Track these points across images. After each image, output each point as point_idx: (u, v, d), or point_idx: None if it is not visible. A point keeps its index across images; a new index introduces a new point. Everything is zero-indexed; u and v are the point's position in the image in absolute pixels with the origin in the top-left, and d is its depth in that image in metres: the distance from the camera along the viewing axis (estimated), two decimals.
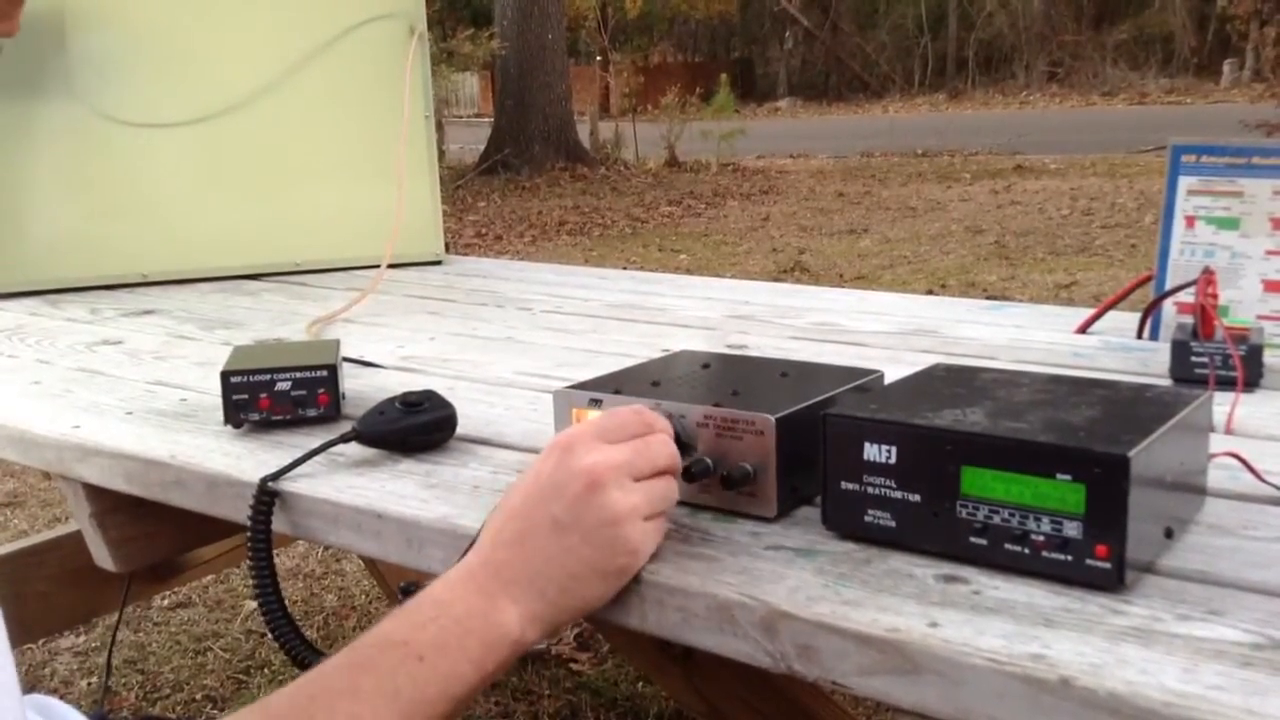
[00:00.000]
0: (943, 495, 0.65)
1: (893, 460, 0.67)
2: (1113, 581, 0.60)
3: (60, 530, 1.54)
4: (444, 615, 0.63)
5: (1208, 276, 1.06)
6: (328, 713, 0.59)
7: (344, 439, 0.88)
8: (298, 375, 0.98)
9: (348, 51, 1.88)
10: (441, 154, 11.11)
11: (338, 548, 1.03)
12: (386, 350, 1.31)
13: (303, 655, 0.81)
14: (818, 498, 0.71)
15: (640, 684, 1.91)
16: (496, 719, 1.84)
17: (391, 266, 1.75)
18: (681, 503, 0.74)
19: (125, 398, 1.13)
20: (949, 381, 0.78)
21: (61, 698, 1.94)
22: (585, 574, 0.65)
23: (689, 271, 5.95)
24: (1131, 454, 0.59)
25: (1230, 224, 1.18)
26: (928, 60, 26.91)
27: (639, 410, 0.71)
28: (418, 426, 0.90)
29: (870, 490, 0.68)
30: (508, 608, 0.64)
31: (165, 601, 2.31)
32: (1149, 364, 1.12)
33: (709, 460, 0.74)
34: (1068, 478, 0.61)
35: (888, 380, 0.83)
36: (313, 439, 0.90)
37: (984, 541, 0.64)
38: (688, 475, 0.73)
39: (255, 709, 0.59)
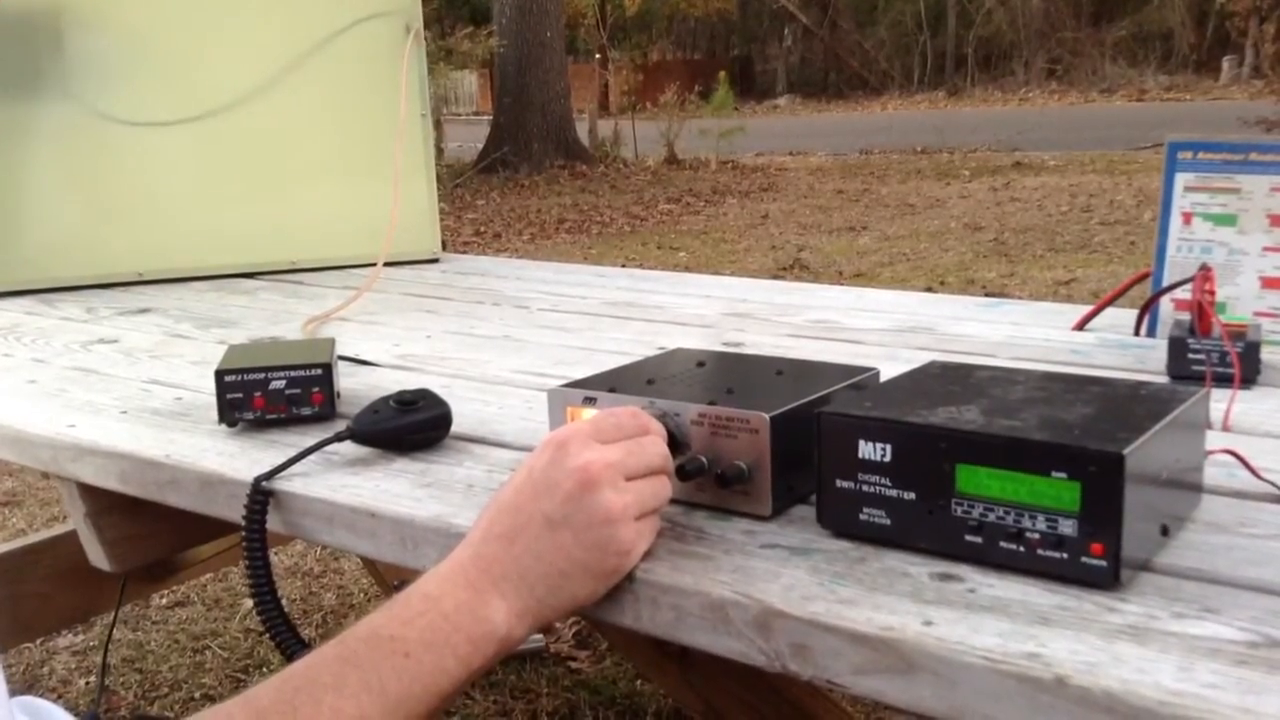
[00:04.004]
0: (938, 493, 0.65)
1: (888, 458, 0.67)
2: (1108, 579, 0.60)
3: (58, 529, 1.53)
4: (432, 610, 0.63)
5: (1205, 273, 1.05)
6: (312, 706, 0.59)
7: (338, 438, 0.88)
8: (292, 374, 0.98)
9: (344, 50, 1.88)
10: (440, 152, 11.11)
11: (332, 547, 1.03)
12: (382, 349, 1.31)
13: (299, 655, 0.80)
14: (813, 496, 0.71)
15: (638, 682, 1.91)
16: (495, 717, 1.84)
17: (388, 265, 1.74)
18: (676, 501, 0.74)
19: (120, 397, 1.13)
20: (944, 379, 0.77)
21: (59, 697, 1.93)
22: (575, 572, 0.64)
23: (688, 269, 5.94)
24: (1127, 451, 0.59)
25: (1227, 220, 1.18)
26: (927, 57, 26.89)
27: (635, 411, 0.71)
28: (412, 425, 0.90)
29: (865, 488, 0.68)
30: (496, 603, 0.64)
31: (163, 600, 2.31)
32: (1146, 361, 1.12)
33: (703, 459, 0.73)
34: (1063, 475, 0.61)
35: (883, 378, 0.83)
36: (307, 438, 0.90)
37: (979, 540, 0.64)
38: (682, 473, 0.73)
39: (239, 702, 0.59)
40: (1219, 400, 0.92)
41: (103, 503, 1.05)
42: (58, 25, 1.74)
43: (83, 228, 1.80)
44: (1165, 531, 0.66)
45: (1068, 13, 25.03)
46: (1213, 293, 1.05)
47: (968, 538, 0.64)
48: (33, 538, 1.54)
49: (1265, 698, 0.50)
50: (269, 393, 0.97)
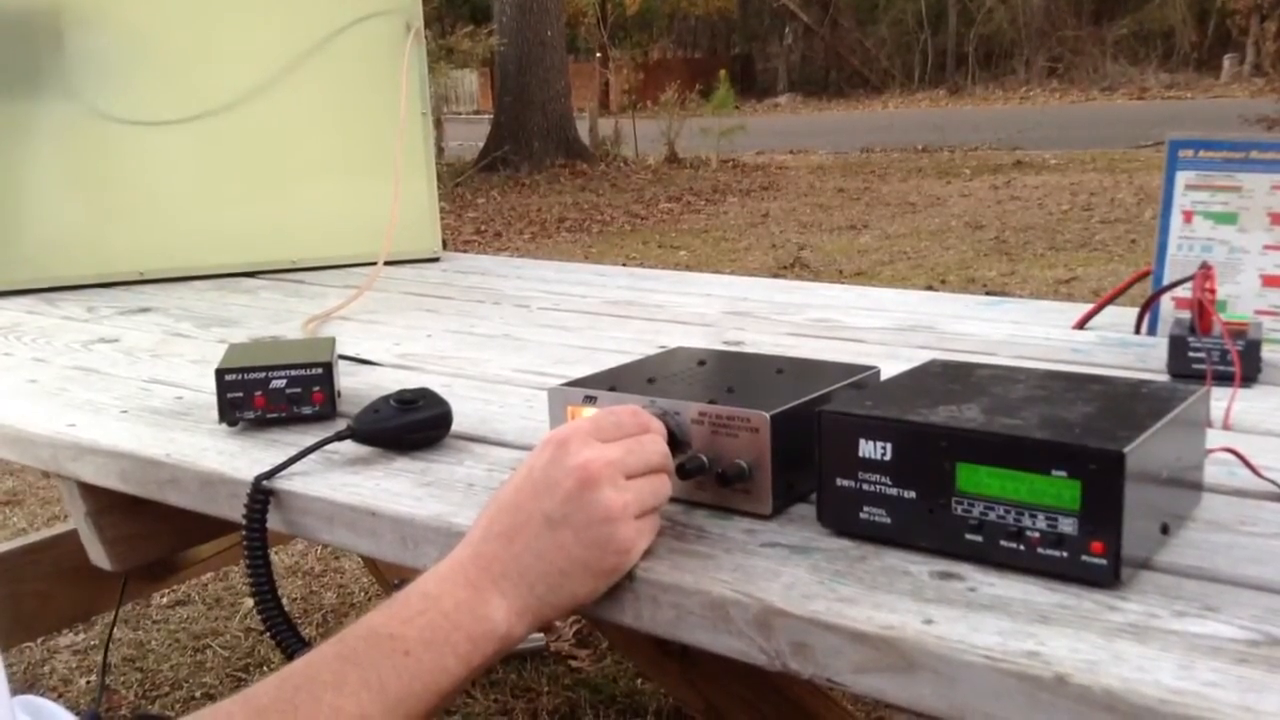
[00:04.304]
0: (938, 492, 0.65)
1: (888, 457, 0.67)
2: (1108, 578, 0.60)
3: (59, 529, 1.54)
4: (432, 609, 0.63)
5: (1205, 271, 1.05)
6: (312, 704, 0.58)
7: (339, 437, 0.88)
8: (293, 373, 0.97)
9: (344, 49, 1.88)
10: (441, 151, 11.11)
11: (333, 546, 1.03)
12: (383, 348, 1.31)
13: (300, 654, 0.80)
14: (813, 495, 0.71)
15: (639, 681, 1.91)
16: (495, 716, 1.84)
17: (388, 264, 1.74)
18: (677, 500, 0.74)
19: (121, 396, 1.13)
20: (944, 377, 0.77)
21: (60, 696, 1.93)
22: (575, 571, 0.64)
23: (689, 268, 5.94)
24: (1127, 450, 0.59)
25: (1228, 219, 1.18)
26: (928, 56, 26.89)
27: (635, 410, 0.71)
28: (412, 424, 0.90)
29: (865, 487, 0.68)
30: (496, 602, 0.64)
31: (164, 599, 2.31)
32: (1146, 359, 1.12)
33: (704, 457, 0.73)
34: (1063, 474, 0.61)
35: (884, 377, 0.83)
36: (308, 437, 0.90)
37: (979, 538, 0.64)
38: (682, 472, 0.73)
39: (239, 700, 0.59)
40: (1219, 398, 0.92)
41: (103, 502, 1.05)
42: (58, 24, 1.74)
43: (83, 227, 1.80)
44: (1165, 530, 0.66)
45: (1068, 11, 25.03)
46: (1213, 291, 1.05)
47: (968, 536, 0.64)
48: (33, 537, 1.54)
49: (1266, 696, 0.50)
50: (269, 392, 0.97)
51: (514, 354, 1.26)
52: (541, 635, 1.99)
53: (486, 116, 15.19)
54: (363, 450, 0.90)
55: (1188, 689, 0.50)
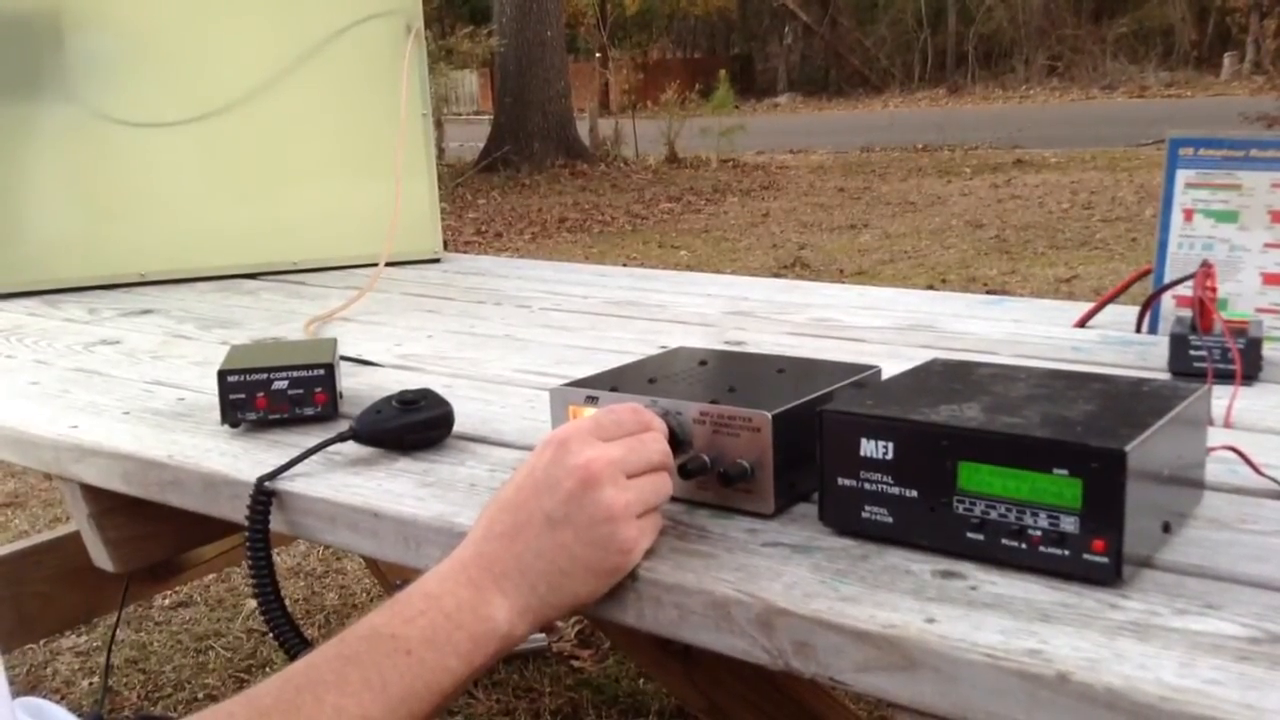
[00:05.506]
0: (939, 491, 0.65)
1: (889, 456, 0.67)
2: (1110, 576, 0.60)
3: (61, 530, 1.54)
4: (433, 609, 0.63)
5: (1206, 270, 1.05)
6: (314, 704, 0.59)
7: (341, 438, 0.88)
8: (295, 374, 0.98)
9: (344, 50, 1.88)
10: (441, 152, 11.11)
11: (335, 547, 1.03)
12: (384, 348, 1.31)
13: (302, 655, 0.80)
14: (815, 494, 0.71)
15: (641, 681, 1.91)
16: (498, 716, 1.84)
17: (389, 265, 1.74)
18: (679, 499, 0.74)
19: (123, 397, 1.13)
20: (946, 377, 0.77)
21: (63, 698, 1.93)
22: (577, 571, 0.64)
23: (689, 268, 5.94)
24: (1128, 448, 0.59)
25: (1228, 217, 1.18)
26: (927, 55, 26.89)
27: (636, 408, 0.71)
28: (414, 425, 0.90)
29: (867, 486, 0.68)
30: (497, 601, 0.64)
31: (167, 601, 2.31)
32: (1147, 358, 1.12)
33: (705, 457, 0.74)
34: (1064, 472, 0.61)
35: (885, 376, 0.83)
36: (310, 438, 0.90)
37: (981, 537, 0.64)
38: (684, 472, 0.73)
39: (241, 700, 0.59)
40: (1220, 397, 0.92)
41: (105, 503, 1.05)
42: (58, 26, 1.74)
43: (84, 229, 1.80)
44: (1167, 528, 0.66)
45: (1068, 9, 25.04)
46: (1214, 289, 1.05)
47: (969, 535, 0.64)
48: (36, 539, 1.54)
49: (1267, 693, 0.50)
50: (271, 393, 0.97)
51: (515, 354, 1.26)
52: (543, 635, 1.99)
53: (486, 117, 15.20)
54: (364, 451, 0.90)
55: (1189, 687, 0.50)
